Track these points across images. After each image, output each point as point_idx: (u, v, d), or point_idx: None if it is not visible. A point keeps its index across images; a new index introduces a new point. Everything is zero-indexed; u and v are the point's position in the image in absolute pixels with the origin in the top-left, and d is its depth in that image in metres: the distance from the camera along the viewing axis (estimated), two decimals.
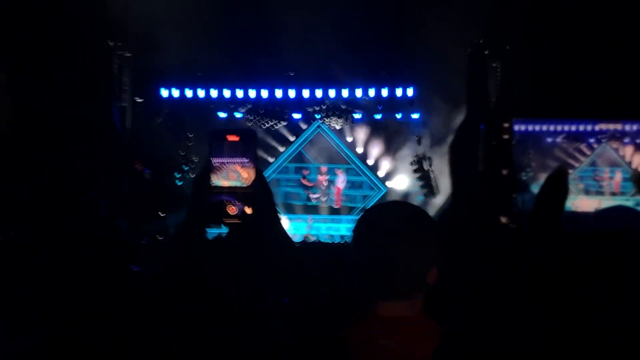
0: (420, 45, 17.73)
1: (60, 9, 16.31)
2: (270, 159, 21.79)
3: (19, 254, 2.17)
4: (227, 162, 1.76)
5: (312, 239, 19.48)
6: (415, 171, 19.53)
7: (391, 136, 20.87)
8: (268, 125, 20.86)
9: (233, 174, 1.78)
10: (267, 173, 21.82)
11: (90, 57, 17.63)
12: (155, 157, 18.47)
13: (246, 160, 1.77)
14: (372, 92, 19.35)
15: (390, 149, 20.94)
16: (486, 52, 16.96)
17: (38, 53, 16.79)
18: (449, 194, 0.87)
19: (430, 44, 17.34)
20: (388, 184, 21.24)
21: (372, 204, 21.43)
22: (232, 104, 19.94)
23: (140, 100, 19.55)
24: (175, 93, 19.75)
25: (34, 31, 16.59)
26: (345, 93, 19.56)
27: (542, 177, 0.84)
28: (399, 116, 20.41)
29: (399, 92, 19.21)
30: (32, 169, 16.24)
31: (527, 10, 15.64)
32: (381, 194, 21.45)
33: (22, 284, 2.12)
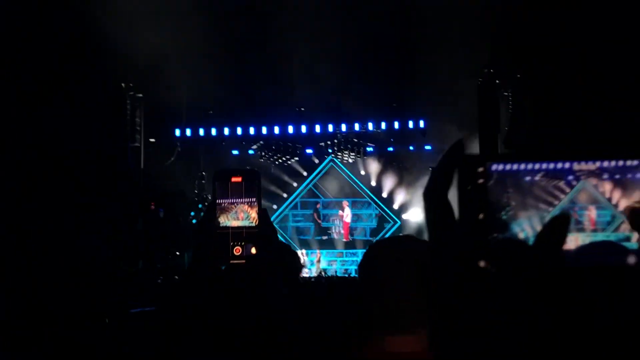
0: (430, 76, 17.81)
1: (73, 52, 16.54)
2: (284, 195, 21.86)
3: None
4: (236, 203, 1.79)
5: (329, 273, 19.41)
6: None
7: (404, 168, 20.88)
8: (281, 161, 20.94)
9: (242, 214, 1.81)
10: (281, 209, 21.89)
11: (103, 100, 17.83)
12: (170, 196, 18.54)
13: (252, 200, 1.80)
14: (383, 125, 19.39)
15: (404, 181, 20.94)
16: (497, 82, 17.01)
17: (50, 96, 16.99)
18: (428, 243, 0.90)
19: (440, 75, 17.43)
20: (403, 216, 21.22)
21: (387, 236, 21.41)
22: (245, 141, 20.05)
23: (153, 140, 19.69)
24: (188, 132, 19.89)
25: (47, 73, 16.82)
26: (356, 126, 19.62)
27: (522, 216, 0.86)
28: (411, 148, 20.43)
29: (410, 124, 19.25)
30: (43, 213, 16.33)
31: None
32: (396, 227, 21.41)
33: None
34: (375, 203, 21.75)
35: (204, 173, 19.98)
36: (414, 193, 20.56)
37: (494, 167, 1.01)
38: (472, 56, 17.10)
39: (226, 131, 19.79)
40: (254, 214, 1.81)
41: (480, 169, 1.00)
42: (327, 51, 17.96)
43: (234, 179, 1.80)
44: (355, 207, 21.80)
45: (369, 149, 20.61)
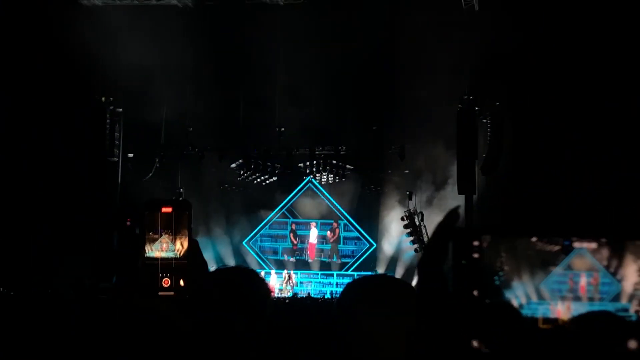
0: (410, 101, 17.91)
1: (54, 66, 16.45)
2: (262, 214, 21.76)
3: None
4: (161, 233, 1.74)
5: (301, 295, 19.29)
6: (405, 226, 19.50)
7: (382, 191, 20.90)
8: (260, 180, 20.87)
9: (166, 245, 1.75)
10: (257, 228, 21.78)
11: (82, 114, 17.72)
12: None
13: (181, 231, 1.74)
14: (363, 147, 19.42)
15: (381, 204, 20.94)
16: (476, 109, 17.13)
17: (29, 109, 16.87)
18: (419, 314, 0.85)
19: (420, 100, 17.54)
20: (379, 238, 21.18)
21: (362, 258, 21.38)
22: (224, 159, 19.96)
23: (131, 155, 19.56)
24: (167, 149, 19.79)
25: (27, 85, 16.71)
26: (336, 149, 19.64)
27: (516, 282, 0.81)
28: (390, 171, 20.46)
29: (389, 147, 19.30)
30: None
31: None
32: (372, 249, 21.36)
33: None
34: (352, 225, 21.72)
35: (182, 190, 19.86)
36: (390, 216, 20.57)
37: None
38: (453, 83, 17.24)
39: (205, 148, 19.71)
40: (179, 245, 1.76)
41: (476, 243, 0.96)
42: (308, 73, 18.01)
43: (164, 210, 1.75)
44: (326, 228, 21.74)
45: (347, 171, 20.61)
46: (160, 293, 1.70)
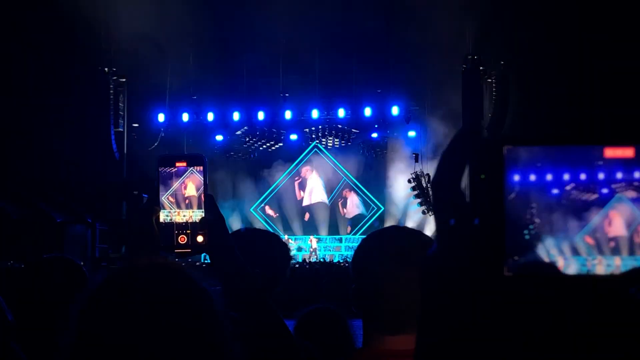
0: (415, 63, 17.79)
1: (55, 36, 16.37)
2: (269, 180, 21.81)
3: None
4: (180, 188, 1.73)
5: (312, 259, 19.41)
6: (413, 188, 19.51)
7: (388, 154, 20.88)
8: (265, 147, 20.89)
9: (186, 200, 1.74)
10: (264, 195, 21.86)
11: (86, 84, 17.68)
12: (153, 181, 18.42)
13: (198, 186, 1.73)
14: (368, 111, 19.36)
15: (388, 167, 20.93)
16: (481, 68, 17.01)
17: (33, 81, 16.83)
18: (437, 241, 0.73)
19: (425, 62, 17.41)
20: (386, 201, 21.22)
21: (370, 222, 21.45)
22: (228, 127, 19.95)
23: (136, 125, 19.56)
24: (172, 117, 19.76)
25: (29, 60, 16.65)
26: (341, 112, 19.57)
27: (547, 236, 0.72)
28: (395, 134, 20.43)
29: (395, 110, 19.22)
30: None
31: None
32: (379, 212, 21.42)
33: None
34: (359, 189, 21.76)
35: None
36: (397, 179, 20.57)
37: (515, 178, 0.83)
38: (457, 44, 17.11)
39: (210, 116, 19.67)
40: (199, 200, 1.74)
41: (496, 154, 0.85)
42: (312, 38, 17.90)
43: (178, 164, 1.74)
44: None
45: (353, 135, 20.58)
46: (176, 250, 1.70)
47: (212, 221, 1.65)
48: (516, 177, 0.85)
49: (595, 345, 0.76)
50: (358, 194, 21.91)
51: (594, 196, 0.83)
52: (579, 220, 0.84)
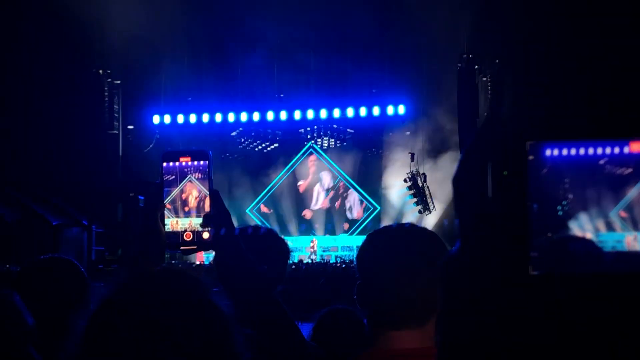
0: (410, 62, 17.80)
1: (50, 39, 16.33)
2: (265, 181, 21.79)
3: None
4: (185, 185, 1.71)
5: (308, 259, 19.37)
6: (409, 188, 19.49)
7: (384, 154, 20.87)
8: (260, 148, 20.86)
9: (190, 197, 1.72)
10: (260, 195, 21.83)
11: (80, 87, 17.65)
12: (149, 184, 18.39)
13: (203, 182, 1.71)
14: (363, 111, 19.33)
15: (384, 166, 20.92)
16: (476, 67, 17.01)
17: (28, 84, 16.79)
18: (461, 241, 0.70)
19: (420, 61, 17.42)
20: (382, 201, 21.22)
21: (367, 222, 21.44)
22: (224, 128, 19.91)
23: (131, 127, 19.52)
24: (167, 119, 19.71)
25: (23, 63, 16.60)
26: (336, 113, 19.54)
27: (581, 212, 0.68)
28: (391, 134, 20.42)
29: (390, 109, 19.20)
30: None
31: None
32: (375, 212, 21.42)
33: None
34: (355, 189, 21.75)
35: None
36: (393, 178, 20.56)
37: (548, 152, 0.80)
38: (452, 42, 17.11)
39: (205, 117, 19.63)
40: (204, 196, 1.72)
41: (521, 151, 0.82)
42: (306, 38, 17.89)
43: (182, 160, 1.72)
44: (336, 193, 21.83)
45: (349, 135, 20.57)
46: (182, 247, 1.68)
47: (218, 217, 1.63)
48: (548, 152, 0.82)
49: (625, 345, 0.74)
50: (355, 194, 21.89)
51: (629, 170, 0.79)
52: (614, 195, 0.81)
